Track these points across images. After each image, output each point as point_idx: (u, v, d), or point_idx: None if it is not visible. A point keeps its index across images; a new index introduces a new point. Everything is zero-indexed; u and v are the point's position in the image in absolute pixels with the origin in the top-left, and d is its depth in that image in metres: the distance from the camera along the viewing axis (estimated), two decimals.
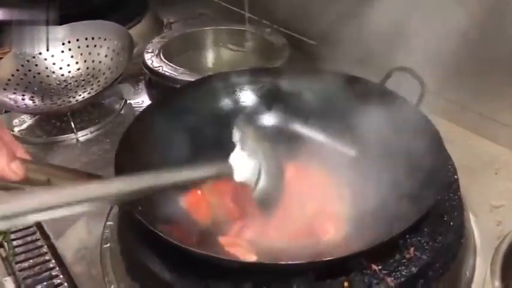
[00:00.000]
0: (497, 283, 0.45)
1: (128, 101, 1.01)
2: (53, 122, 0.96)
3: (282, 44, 1.09)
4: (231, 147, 0.71)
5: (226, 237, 0.60)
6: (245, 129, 0.66)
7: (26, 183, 0.51)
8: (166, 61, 1.03)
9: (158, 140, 0.67)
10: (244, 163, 0.61)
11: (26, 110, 0.95)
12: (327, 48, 1.04)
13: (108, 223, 0.68)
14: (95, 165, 0.83)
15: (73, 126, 0.91)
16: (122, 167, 0.59)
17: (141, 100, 1.02)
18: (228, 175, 0.59)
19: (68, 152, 0.88)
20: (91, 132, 0.93)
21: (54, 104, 0.96)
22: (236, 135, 0.64)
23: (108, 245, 0.65)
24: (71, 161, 0.85)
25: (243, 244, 0.58)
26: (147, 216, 0.53)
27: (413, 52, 0.78)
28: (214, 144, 0.72)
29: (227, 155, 0.68)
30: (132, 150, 0.63)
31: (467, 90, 0.81)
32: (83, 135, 0.92)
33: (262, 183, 0.61)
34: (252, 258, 0.57)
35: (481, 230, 0.66)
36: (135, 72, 1.07)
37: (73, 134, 0.91)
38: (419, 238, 0.55)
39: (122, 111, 0.98)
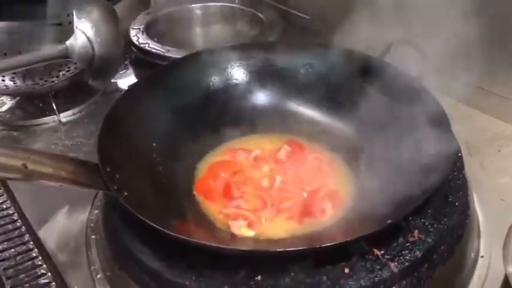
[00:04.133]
0: (510, 268, 0.43)
1: (113, 80, 0.97)
2: (35, 103, 0.92)
3: (275, 19, 1.05)
4: (221, 124, 0.71)
5: (230, 208, 0.60)
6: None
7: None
8: (152, 38, 1.00)
9: (144, 118, 0.65)
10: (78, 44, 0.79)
11: (6, 91, 0.92)
12: (321, 23, 1.01)
13: (94, 210, 0.66)
14: (78, 149, 0.80)
15: (55, 107, 0.87)
16: (106, 146, 0.56)
17: (127, 78, 0.99)
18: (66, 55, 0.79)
19: (50, 135, 0.85)
20: (74, 114, 0.89)
21: (36, 84, 0.92)
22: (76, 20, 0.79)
23: (93, 232, 0.63)
24: (54, 144, 0.82)
25: (246, 215, 0.58)
26: (132, 202, 0.50)
27: (413, 26, 0.75)
28: (203, 122, 0.70)
29: (217, 132, 0.70)
30: (117, 129, 0.61)
31: (469, 65, 0.79)
32: (66, 117, 0.88)
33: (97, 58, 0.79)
34: (250, 233, 0.56)
35: (484, 209, 0.64)
36: None
37: (55, 115, 0.88)
38: (423, 220, 0.53)
39: (107, 91, 0.95)
